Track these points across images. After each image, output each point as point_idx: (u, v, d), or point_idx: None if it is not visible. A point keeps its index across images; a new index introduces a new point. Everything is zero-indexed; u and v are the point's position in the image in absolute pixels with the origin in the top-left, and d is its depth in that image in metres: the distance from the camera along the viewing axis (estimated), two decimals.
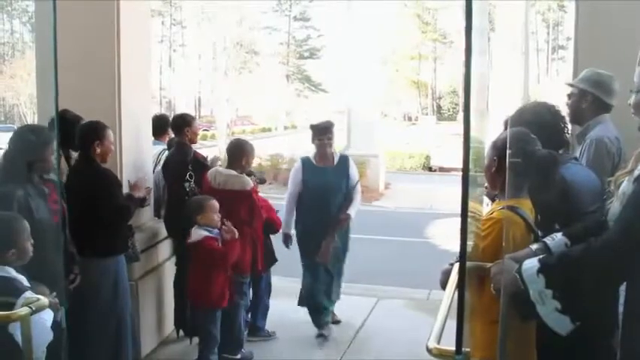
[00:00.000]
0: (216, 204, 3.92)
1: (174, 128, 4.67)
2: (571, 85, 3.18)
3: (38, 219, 2.81)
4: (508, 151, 2.14)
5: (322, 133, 4.72)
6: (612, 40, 3.56)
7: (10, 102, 32.75)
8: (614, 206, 1.91)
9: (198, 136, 5.27)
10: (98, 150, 3.50)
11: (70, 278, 3.18)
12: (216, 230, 3.91)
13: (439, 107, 46.59)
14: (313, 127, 4.78)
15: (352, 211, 4.76)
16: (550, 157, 2.46)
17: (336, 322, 5.01)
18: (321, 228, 4.64)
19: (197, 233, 3.89)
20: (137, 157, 4.29)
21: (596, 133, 3.01)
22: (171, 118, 4.99)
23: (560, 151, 2.74)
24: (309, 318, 4.79)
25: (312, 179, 4.74)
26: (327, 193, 4.67)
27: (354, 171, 4.89)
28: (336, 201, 4.69)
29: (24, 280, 2.44)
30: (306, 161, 4.85)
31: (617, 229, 1.80)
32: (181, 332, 4.63)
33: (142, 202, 3.90)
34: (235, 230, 3.89)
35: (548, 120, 2.73)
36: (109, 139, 3.55)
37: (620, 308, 1.86)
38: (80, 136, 3.53)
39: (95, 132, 3.51)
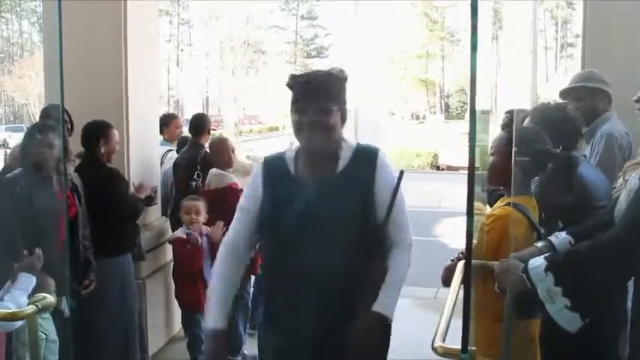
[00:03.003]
0: (195, 205, 3.90)
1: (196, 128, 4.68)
2: (565, 96, 3.13)
3: (39, 208, 2.82)
4: (514, 149, 2.13)
5: (303, 97, 1.97)
6: (621, 36, 3.54)
7: (20, 102, 33.06)
8: (621, 199, 1.90)
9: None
10: (103, 149, 3.47)
11: (84, 284, 3.20)
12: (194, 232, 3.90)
13: (447, 106, 46.46)
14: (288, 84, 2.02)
15: (386, 301, 1.99)
16: (573, 159, 2.45)
17: None
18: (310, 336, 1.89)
19: (175, 233, 3.96)
20: (144, 156, 4.30)
21: (605, 128, 3.01)
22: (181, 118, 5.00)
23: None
24: None
25: (281, 207, 1.96)
26: (315, 246, 1.88)
27: (385, 182, 2.07)
28: (338, 266, 1.86)
29: None
30: (273, 164, 2.07)
31: (623, 224, 1.79)
32: None
33: (149, 201, 3.90)
34: (201, 234, 3.82)
35: (562, 119, 2.70)
36: (114, 139, 3.53)
37: (629, 303, 1.85)
38: (85, 135, 3.51)
39: (100, 131, 3.49)
